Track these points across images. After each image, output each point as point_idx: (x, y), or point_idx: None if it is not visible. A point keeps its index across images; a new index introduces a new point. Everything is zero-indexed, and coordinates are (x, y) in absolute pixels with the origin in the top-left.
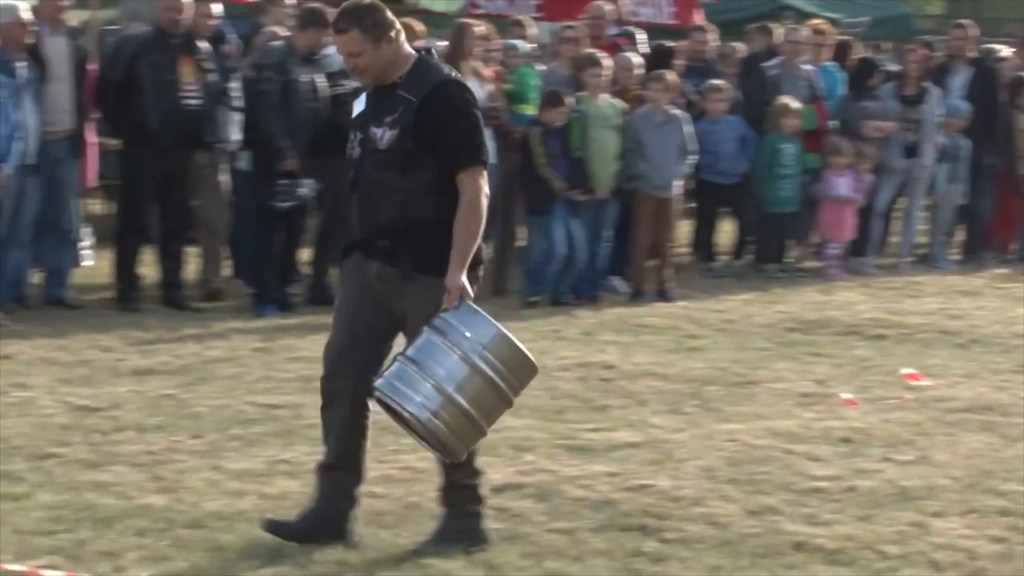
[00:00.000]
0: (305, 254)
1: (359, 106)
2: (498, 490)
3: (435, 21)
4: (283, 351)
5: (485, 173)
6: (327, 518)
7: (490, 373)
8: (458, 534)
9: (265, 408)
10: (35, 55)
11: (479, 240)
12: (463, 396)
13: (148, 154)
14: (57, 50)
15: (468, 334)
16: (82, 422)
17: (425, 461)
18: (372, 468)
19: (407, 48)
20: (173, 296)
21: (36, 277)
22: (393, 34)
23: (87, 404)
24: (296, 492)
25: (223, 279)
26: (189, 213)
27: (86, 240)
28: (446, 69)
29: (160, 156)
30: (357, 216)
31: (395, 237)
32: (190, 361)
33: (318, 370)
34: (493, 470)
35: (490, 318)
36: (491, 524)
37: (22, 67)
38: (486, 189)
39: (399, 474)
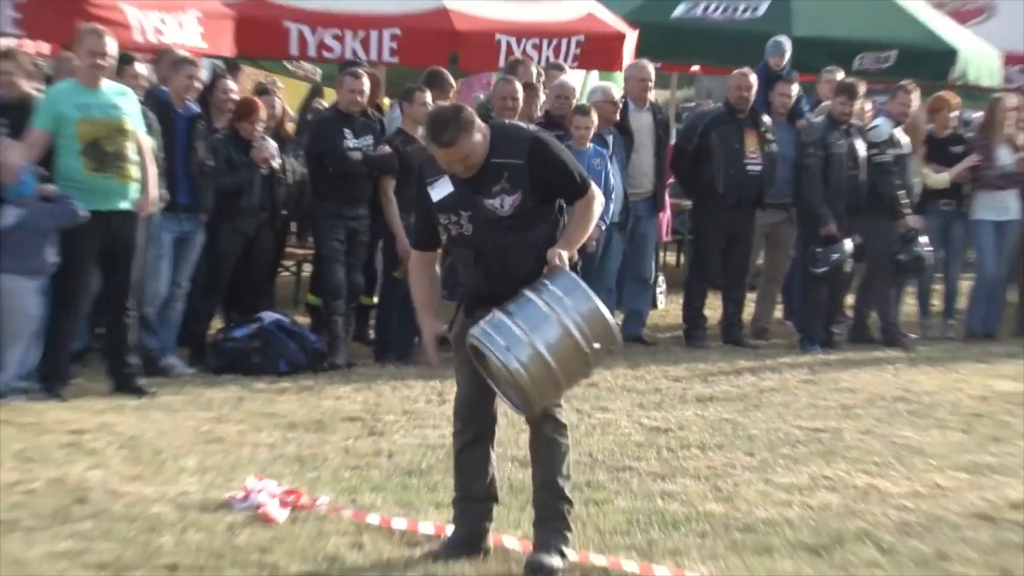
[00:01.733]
0: (848, 299)
1: (443, 190)
2: (1014, 506)
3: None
4: (827, 383)
5: (595, 189)
6: (468, 539)
7: (579, 338)
8: (554, 534)
9: (810, 431)
10: (623, 127)
11: (585, 237)
12: (551, 353)
13: (715, 213)
14: (642, 123)
15: (567, 300)
16: (654, 440)
17: (951, 479)
18: (898, 484)
19: (482, 124)
20: (733, 334)
21: (618, 318)
22: (478, 121)
23: (658, 425)
24: (836, 503)
25: (773, 320)
26: (747, 262)
27: (661, 286)
28: (521, 124)
29: (726, 215)
30: (484, 279)
31: (517, 288)
32: (746, 390)
33: (858, 399)
34: (1010, 489)
35: (589, 291)
36: (1007, 536)
37: (611, 138)
38: (600, 197)
39: (927, 491)
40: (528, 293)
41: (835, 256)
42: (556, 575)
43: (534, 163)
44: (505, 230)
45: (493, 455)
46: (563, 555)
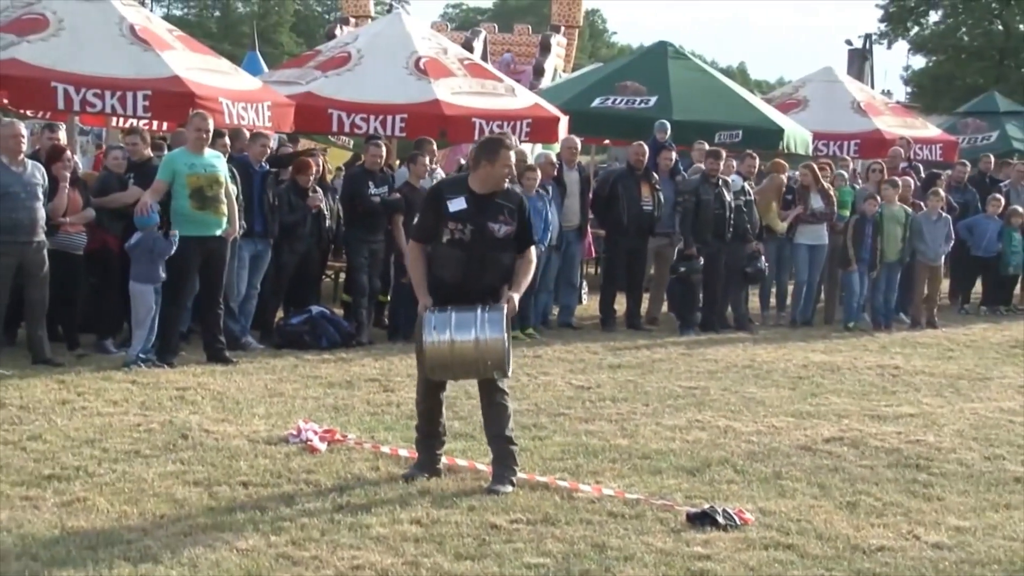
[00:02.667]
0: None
1: (458, 206)
2: (826, 440)
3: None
4: (698, 355)
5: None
6: (426, 463)
7: (478, 348)
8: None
9: (687, 389)
10: (559, 181)
11: (528, 281)
12: (453, 346)
13: (621, 239)
14: (572, 179)
15: (488, 326)
16: (580, 395)
17: (783, 422)
18: (747, 425)
19: None
20: (633, 322)
21: (554, 309)
22: None
23: (583, 385)
24: (705, 439)
25: (661, 312)
26: (642, 272)
27: (585, 288)
28: (516, 187)
29: (628, 240)
30: (459, 274)
31: (492, 290)
32: (643, 360)
33: (719, 367)
34: (823, 429)
35: (506, 330)
36: (822, 462)
37: (551, 188)
38: (534, 255)
39: (766, 430)
40: (477, 307)
41: (683, 269)
42: (508, 495)
43: (521, 209)
44: (492, 245)
45: (443, 407)
46: (512, 483)
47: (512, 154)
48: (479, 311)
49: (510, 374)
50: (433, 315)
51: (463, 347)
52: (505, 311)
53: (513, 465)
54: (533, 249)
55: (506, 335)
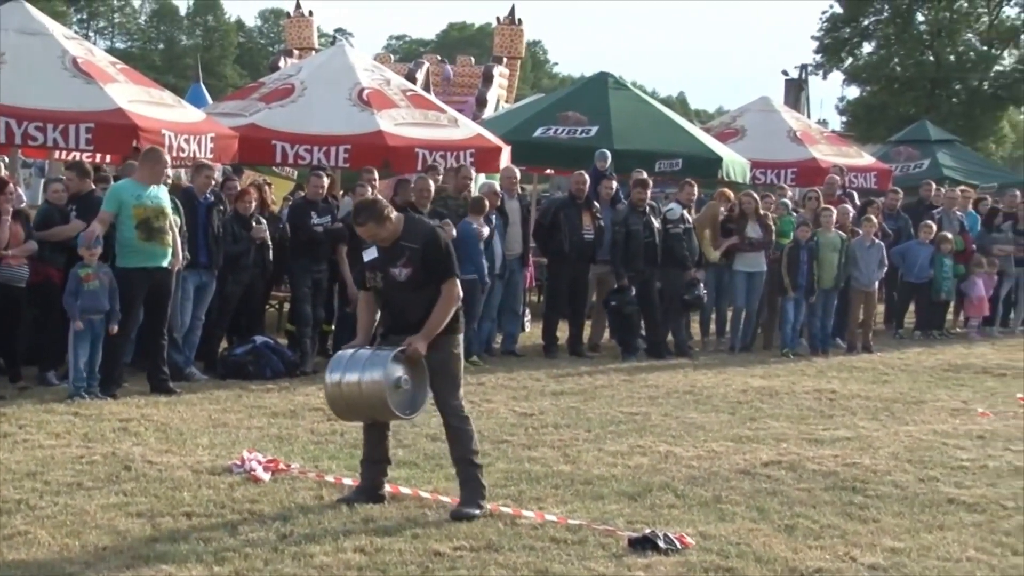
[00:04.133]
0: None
1: (370, 255)
2: (765, 464)
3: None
4: (639, 381)
5: (457, 281)
6: (368, 489)
7: (359, 388)
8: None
9: (628, 414)
10: (501, 210)
11: (444, 323)
12: (343, 384)
13: (563, 266)
14: (513, 208)
15: (375, 371)
16: (522, 422)
17: (722, 446)
18: (687, 450)
19: (395, 215)
20: (576, 348)
21: (497, 337)
22: (388, 213)
23: (525, 411)
24: (646, 464)
25: (604, 339)
26: (584, 300)
27: (527, 316)
28: (428, 222)
29: (570, 267)
30: (390, 317)
31: (421, 324)
32: (585, 386)
33: (660, 392)
34: (762, 453)
35: (394, 372)
36: (761, 485)
37: (494, 217)
38: (458, 291)
39: (706, 454)
40: (382, 350)
41: (614, 303)
42: (474, 519)
43: (426, 248)
44: (401, 290)
45: (387, 433)
46: (480, 506)
47: (387, 222)
48: (375, 352)
49: (413, 417)
50: (337, 354)
51: (349, 388)
52: (393, 354)
53: (479, 488)
54: (453, 283)
55: (402, 376)
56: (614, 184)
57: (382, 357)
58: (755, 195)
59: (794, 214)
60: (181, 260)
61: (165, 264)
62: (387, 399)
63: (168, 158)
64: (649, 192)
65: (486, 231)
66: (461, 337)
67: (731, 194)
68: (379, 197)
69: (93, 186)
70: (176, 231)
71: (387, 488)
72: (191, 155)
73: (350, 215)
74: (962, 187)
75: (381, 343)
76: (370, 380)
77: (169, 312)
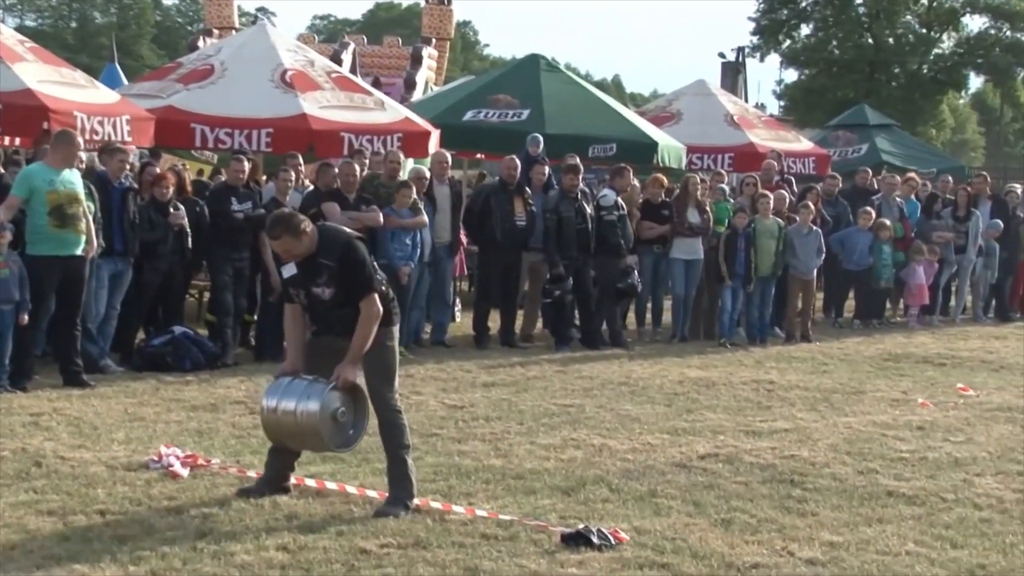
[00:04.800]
0: None
1: (289, 271)
2: (702, 457)
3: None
4: (573, 372)
5: (376, 296)
6: (273, 480)
7: (294, 419)
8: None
9: (562, 407)
10: (430, 196)
11: (367, 343)
12: (279, 411)
13: (494, 254)
14: (443, 194)
15: (312, 402)
16: (452, 415)
17: (658, 439)
18: (622, 443)
19: (311, 227)
20: (508, 339)
21: (426, 327)
22: (305, 227)
23: (455, 404)
24: (580, 457)
25: (537, 329)
26: (517, 288)
27: (457, 305)
28: (343, 231)
29: (501, 255)
30: (321, 332)
31: (352, 322)
32: (517, 378)
33: (595, 384)
34: (699, 446)
35: (331, 404)
36: (697, 479)
37: (422, 204)
38: (378, 307)
39: (642, 447)
40: (319, 382)
41: (558, 292)
42: (398, 518)
43: (343, 265)
44: (327, 307)
45: None
46: (406, 506)
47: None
48: (313, 382)
49: (347, 451)
50: (276, 380)
51: (285, 416)
52: (331, 386)
53: (408, 486)
54: (371, 300)
55: (339, 408)
56: (546, 170)
57: (319, 389)
58: (699, 178)
59: (731, 200)
60: (96, 247)
61: (79, 252)
62: (321, 431)
63: (81, 141)
64: (581, 178)
65: (426, 218)
66: (396, 329)
67: (664, 180)
68: (295, 211)
69: (3, 170)
70: (90, 218)
71: (293, 480)
72: (105, 138)
73: (272, 201)
74: (910, 175)
75: (312, 341)
76: (305, 411)
77: (83, 301)
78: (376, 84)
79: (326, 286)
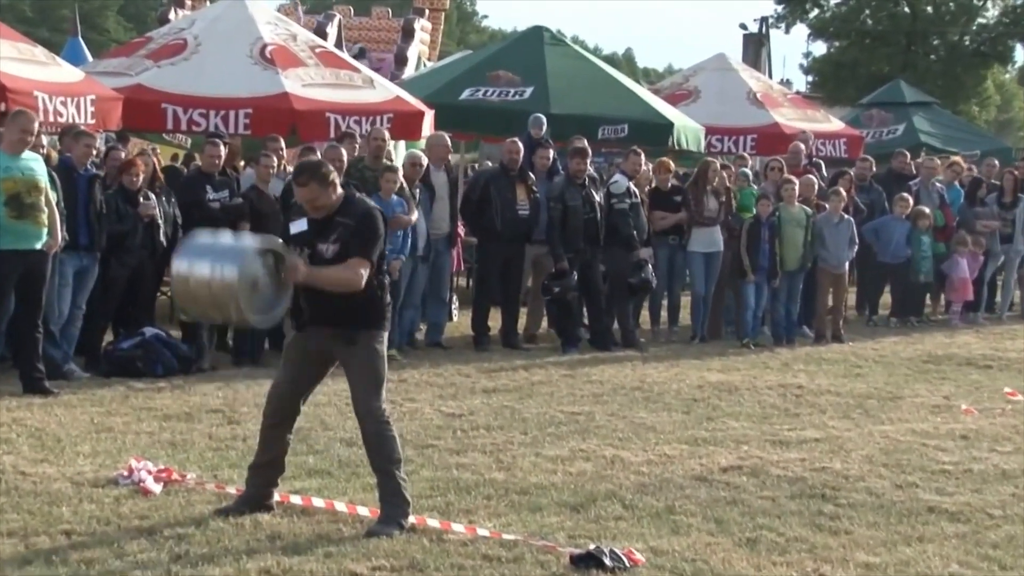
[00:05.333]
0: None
1: (299, 227)
2: (724, 470)
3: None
4: (582, 376)
5: (367, 268)
6: (254, 498)
7: (208, 289)
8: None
9: (570, 414)
10: (426, 183)
11: (333, 285)
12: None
13: (495, 247)
14: (440, 181)
15: (232, 259)
16: (450, 424)
17: (676, 450)
18: (636, 454)
19: (340, 188)
20: (510, 340)
21: (422, 327)
22: (334, 179)
23: (453, 412)
24: (590, 470)
25: (542, 329)
26: (519, 284)
27: (455, 303)
28: (369, 202)
29: (502, 248)
30: (307, 303)
31: (340, 312)
32: (520, 383)
33: (605, 389)
34: (720, 457)
35: (252, 269)
36: (719, 494)
37: (418, 191)
38: (361, 275)
39: (657, 459)
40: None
41: (558, 289)
42: (392, 538)
43: (360, 225)
44: (325, 267)
45: (288, 437)
46: (401, 526)
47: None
48: (236, 242)
49: (265, 324)
50: (193, 236)
51: (198, 285)
52: (257, 249)
53: (402, 503)
54: (362, 263)
55: (260, 278)
56: (551, 153)
57: (242, 250)
58: (713, 164)
59: (754, 187)
60: (59, 241)
61: (39, 246)
62: (239, 298)
63: (38, 123)
64: (589, 162)
65: (414, 217)
66: (386, 335)
67: (671, 164)
68: (328, 163)
69: None
70: (53, 208)
71: (276, 497)
72: (69, 120)
73: (252, 189)
74: (953, 158)
75: (295, 340)
76: (222, 279)
77: (44, 301)
78: (361, 54)
79: (333, 243)
